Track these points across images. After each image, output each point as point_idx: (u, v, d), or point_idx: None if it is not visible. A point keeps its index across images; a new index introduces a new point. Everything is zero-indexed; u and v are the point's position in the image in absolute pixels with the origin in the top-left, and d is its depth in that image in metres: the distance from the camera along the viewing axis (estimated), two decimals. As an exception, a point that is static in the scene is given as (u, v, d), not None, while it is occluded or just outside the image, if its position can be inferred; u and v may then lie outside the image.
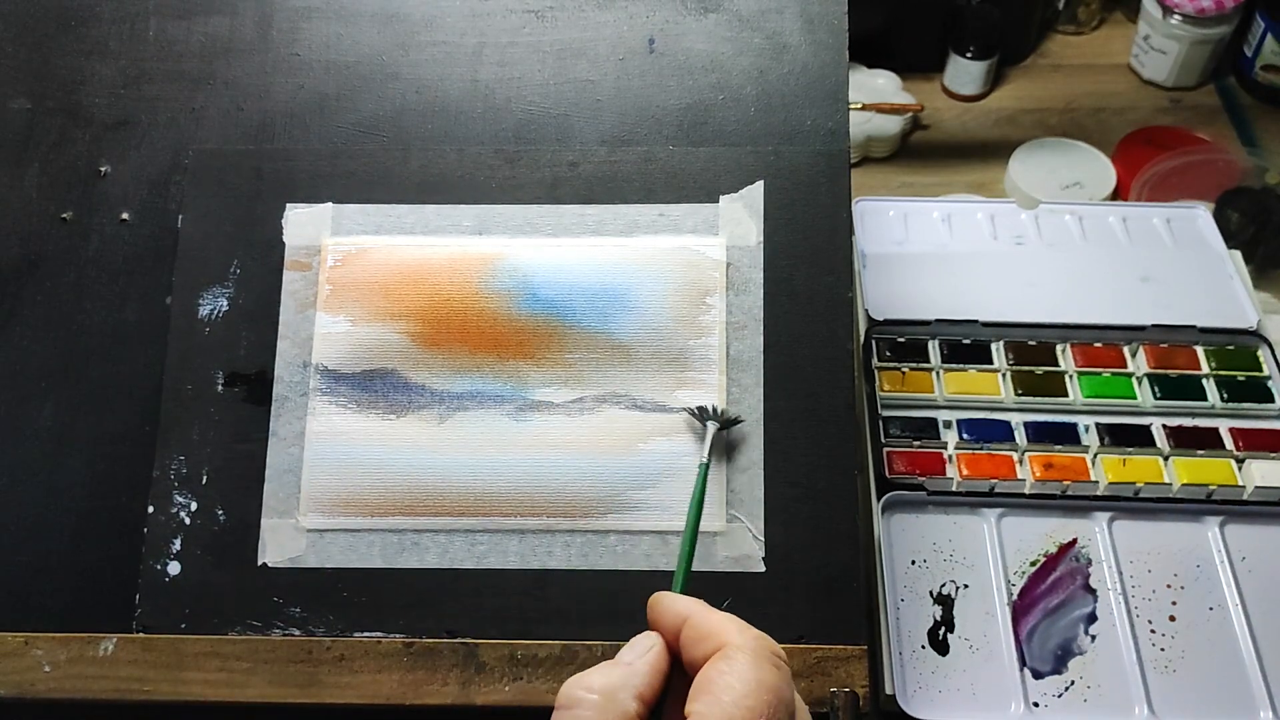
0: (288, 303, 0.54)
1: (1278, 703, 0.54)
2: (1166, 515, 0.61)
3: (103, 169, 0.56)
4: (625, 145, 0.55)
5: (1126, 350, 0.68)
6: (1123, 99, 0.99)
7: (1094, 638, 0.57)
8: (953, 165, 0.94)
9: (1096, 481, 0.62)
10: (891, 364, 0.67)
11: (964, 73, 0.98)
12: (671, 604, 0.38)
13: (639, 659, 0.37)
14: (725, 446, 0.51)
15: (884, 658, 0.55)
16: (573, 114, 0.56)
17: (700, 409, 0.50)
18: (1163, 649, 0.57)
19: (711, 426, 0.50)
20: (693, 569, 0.48)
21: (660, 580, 0.49)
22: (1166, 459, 0.63)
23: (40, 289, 0.55)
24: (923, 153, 0.96)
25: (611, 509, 0.50)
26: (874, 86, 0.97)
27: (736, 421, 0.51)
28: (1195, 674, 0.56)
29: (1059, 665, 0.56)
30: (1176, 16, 0.96)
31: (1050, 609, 0.58)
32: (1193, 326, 0.68)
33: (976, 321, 0.68)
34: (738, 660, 0.35)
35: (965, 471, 0.62)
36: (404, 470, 0.51)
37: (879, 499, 0.61)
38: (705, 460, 0.48)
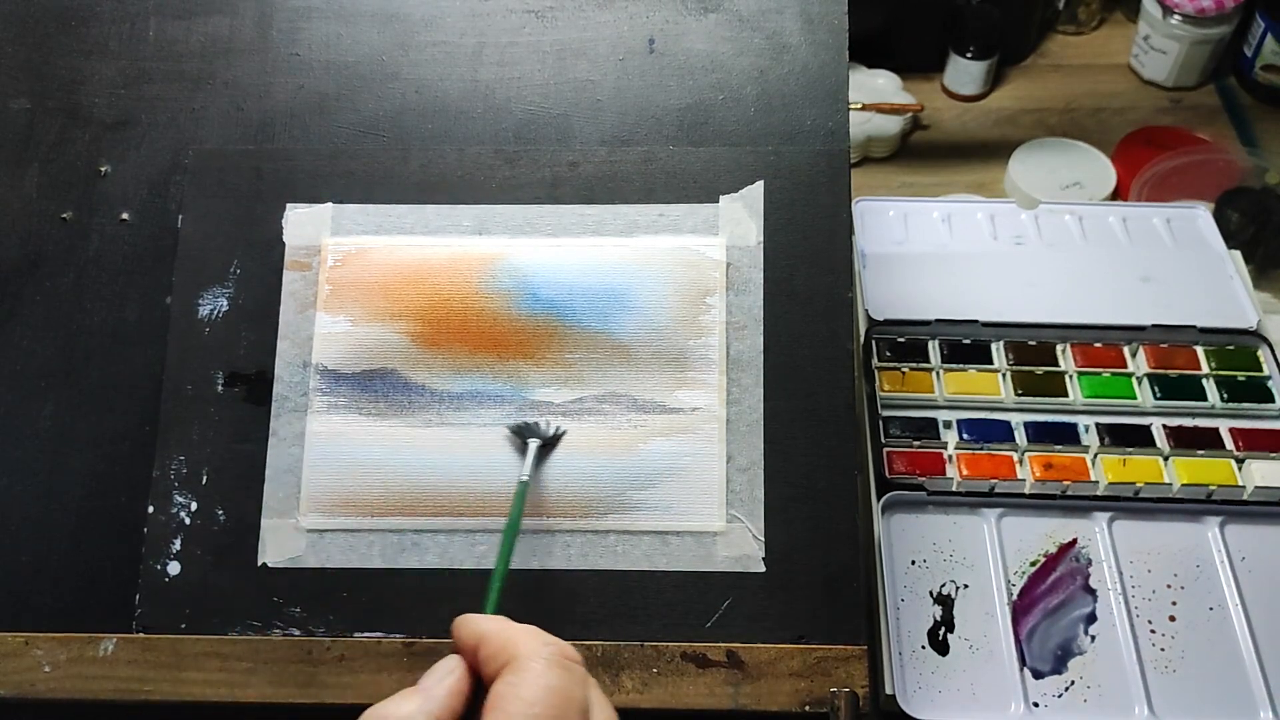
0: (288, 303, 0.54)
1: (1278, 703, 0.54)
2: (1166, 515, 0.61)
3: (103, 169, 0.56)
4: (625, 145, 0.55)
5: (1126, 350, 0.68)
6: (1123, 99, 0.99)
7: (1094, 638, 0.57)
8: (953, 165, 0.94)
9: (1096, 481, 0.62)
10: (891, 364, 0.67)
11: (964, 73, 0.98)
12: (471, 625, 0.39)
13: (437, 684, 0.37)
14: (727, 447, 0.51)
15: (884, 658, 0.55)
16: (573, 114, 0.56)
17: (520, 426, 0.50)
18: (1163, 649, 0.57)
19: (533, 444, 0.50)
20: (686, 573, 0.48)
21: (660, 580, 0.50)
22: (1166, 459, 0.63)
23: (40, 289, 0.55)
24: (923, 153, 0.96)
25: (611, 509, 0.50)
26: (874, 86, 0.97)
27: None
28: (1195, 674, 0.56)
29: (1059, 665, 0.56)
30: (1176, 16, 0.96)
31: (1050, 609, 0.58)
32: (1193, 326, 0.68)
33: (976, 321, 0.68)
34: (524, 670, 0.35)
35: (965, 471, 0.62)
36: (404, 470, 0.51)
37: (879, 499, 0.61)
38: (525, 478, 0.49)
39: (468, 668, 0.38)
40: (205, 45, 0.58)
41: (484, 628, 0.38)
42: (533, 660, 0.36)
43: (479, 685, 0.38)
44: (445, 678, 0.37)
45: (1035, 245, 0.74)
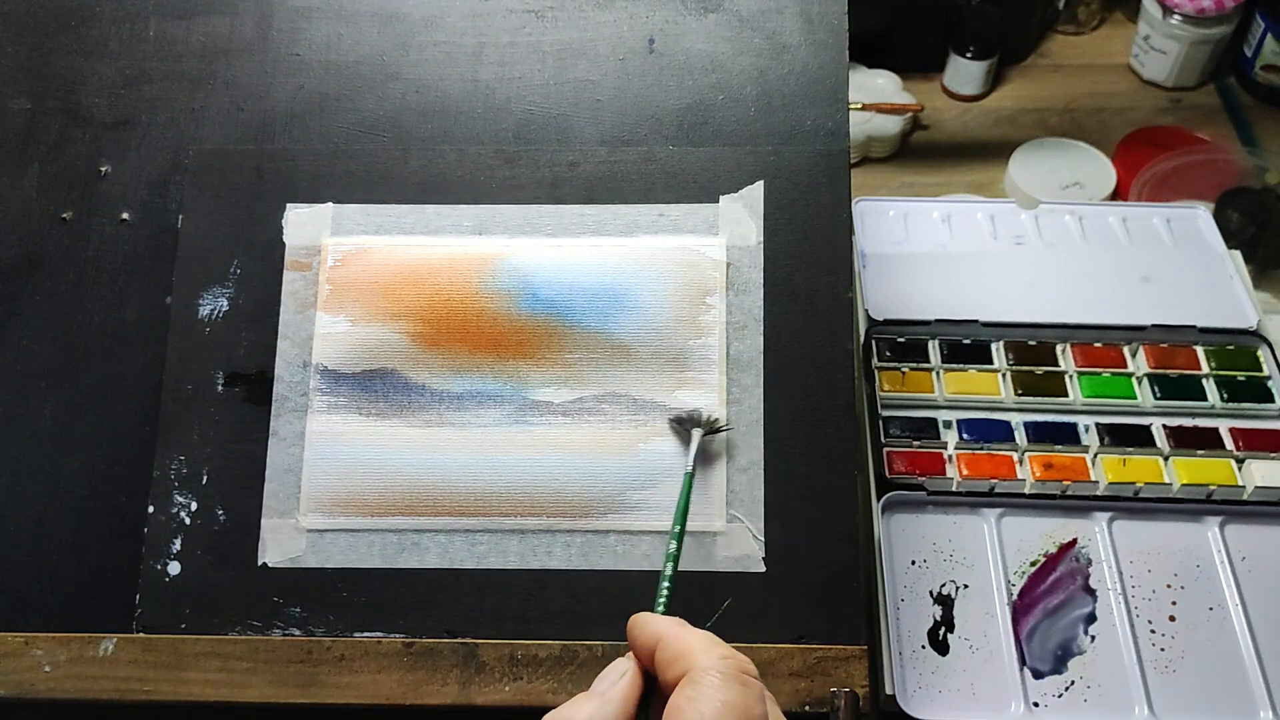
0: (288, 303, 0.54)
1: (1278, 703, 0.54)
2: (1166, 515, 0.61)
3: (103, 169, 0.56)
4: (625, 145, 0.55)
5: (1126, 350, 0.68)
6: (1123, 99, 0.99)
7: (1094, 638, 0.57)
8: (953, 165, 0.94)
9: (1096, 481, 0.62)
10: (891, 364, 0.67)
11: (964, 73, 0.98)
12: (647, 626, 0.39)
13: (611, 688, 0.37)
14: (727, 447, 0.51)
15: (884, 658, 0.55)
16: (573, 114, 0.56)
17: (681, 418, 0.50)
18: (1163, 649, 0.57)
19: (697, 434, 0.49)
20: (685, 573, 0.48)
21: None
22: (1166, 459, 0.63)
23: (40, 289, 0.55)
24: (923, 153, 0.96)
25: (611, 509, 0.50)
26: (874, 86, 0.97)
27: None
28: (1195, 674, 0.56)
29: (1059, 665, 0.56)
30: (1176, 16, 0.96)
31: (1050, 609, 0.58)
32: (1193, 326, 0.68)
33: (976, 321, 0.68)
34: (703, 684, 0.35)
35: (965, 471, 0.62)
36: (404, 470, 0.51)
37: (879, 499, 0.61)
38: (690, 469, 0.48)
39: (639, 669, 0.38)
40: (205, 45, 0.58)
41: (661, 629, 0.38)
42: (710, 674, 0.36)
43: (649, 683, 0.38)
44: (618, 681, 0.38)
45: (1035, 245, 0.74)
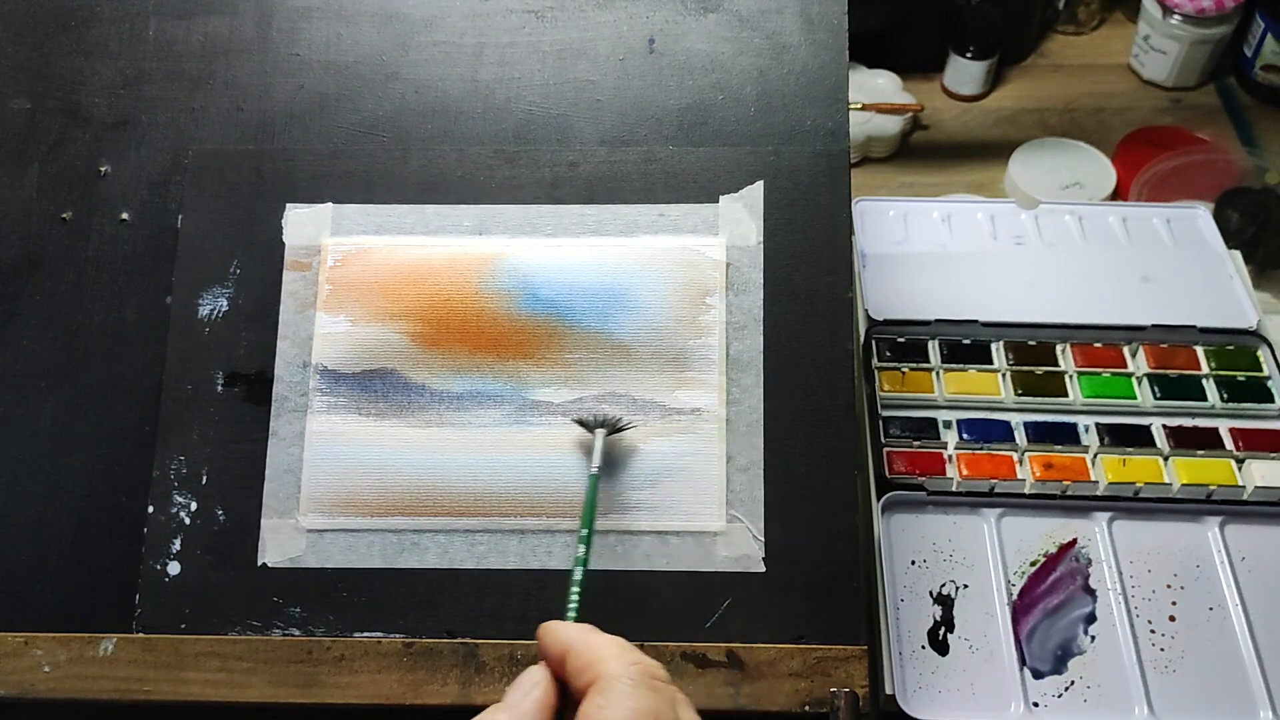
0: (288, 303, 0.54)
1: (1278, 703, 0.54)
2: (1166, 515, 0.61)
3: (103, 169, 0.56)
4: (625, 145, 0.55)
5: (1126, 350, 0.68)
6: (1123, 99, 0.99)
7: (1094, 638, 0.57)
8: (953, 165, 0.94)
9: (1096, 481, 0.62)
10: (891, 364, 0.67)
11: (964, 73, 0.98)
12: (555, 634, 0.38)
13: (524, 698, 0.37)
14: (726, 447, 0.51)
15: (884, 658, 0.55)
16: (573, 114, 0.56)
17: (585, 420, 0.50)
18: (1163, 649, 0.57)
19: (600, 434, 0.49)
20: (686, 573, 0.48)
21: (660, 580, 0.49)
22: (1166, 459, 0.63)
23: (40, 289, 0.55)
24: (923, 153, 0.96)
25: (611, 509, 0.50)
26: (874, 86, 0.97)
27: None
28: (1195, 674, 0.56)
29: (1059, 665, 0.56)
30: (1176, 16, 0.96)
31: (1050, 609, 0.58)
32: (1193, 326, 0.68)
33: (976, 321, 0.68)
34: (613, 691, 0.35)
35: (965, 471, 0.62)
36: (404, 470, 0.51)
37: (879, 499, 0.61)
38: (595, 470, 0.48)
39: (553, 678, 0.38)
40: (205, 45, 0.58)
41: (570, 637, 0.38)
42: (620, 681, 0.35)
43: (564, 691, 0.38)
44: (532, 691, 0.37)
45: (1035, 245, 0.74)
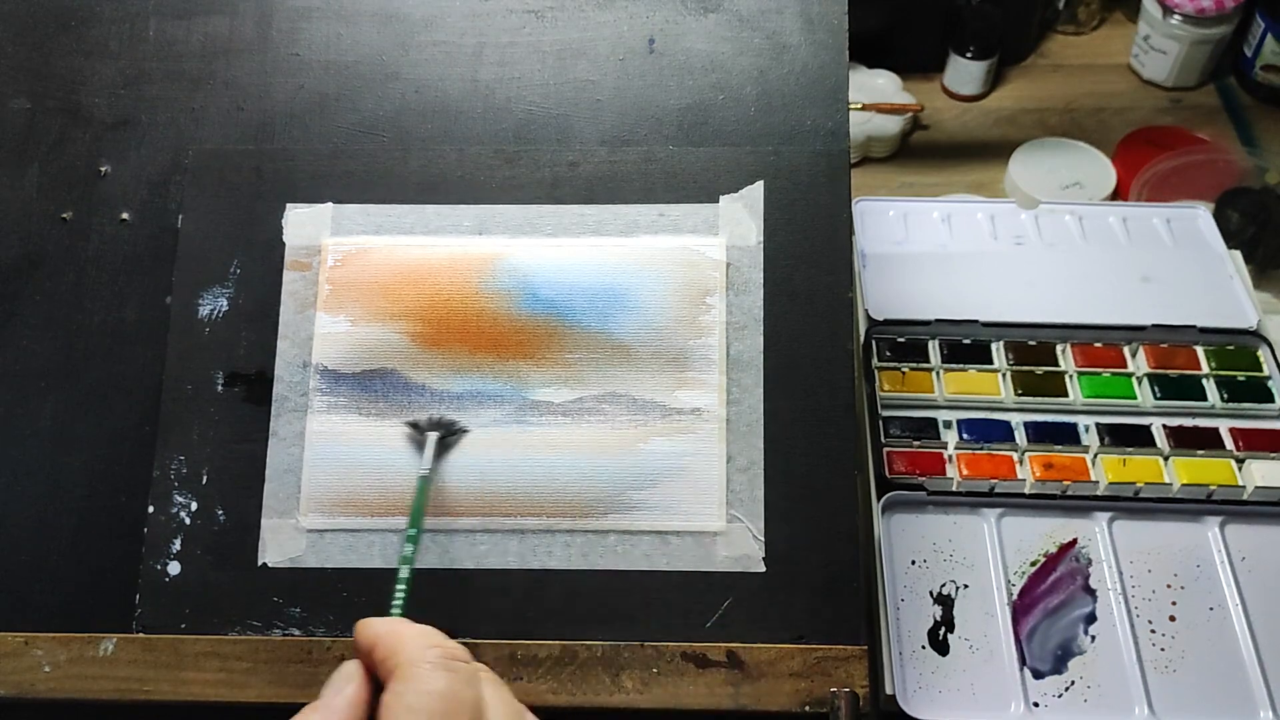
0: (288, 303, 0.54)
1: (1278, 703, 0.54)
2: (1166, 515, 0.61)
3: (103, 169, 0.56)
4: (625, 145, 0.55)
5: (1126, 350, 0.68)
6: (1123, 99, 0.99)
7: (1094, 638, 0.57)
8: (953, 165, 0.94)
9: (1096, 481, 0.62)
10: (891, 364, 0.67)
11: (964, 73, 0.98)
12: (366, 629, 0.38)
13: (336, 695, 0.37)
14: (726, 447, 0.51)
15: (884, 658, 0.55)
16: (573, 114, 0.56)
17: (417, 422, 0.51)
18: (1163, 649, 0.57)
19: (432, 437, 0.50)
20: (686, 573, 0.48)
21: (660, 580, 0.50)
22: (1166, 459, 0.63)
23: (40, 289, 0.55)
24: (923, 153, 0.96)
25: (611, 509, 0.50)
26: (874, 86, 0.97)
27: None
28: (1195, 674, 0.56)
29: (1059, 665, 0.56)
30: (1176, 16, 0.96)
31: (1050, 609, 0.58)
32: (1193, 326, 0.68)
33: (976, 321, 0.68)
34: (410, 678, 0.35)
35: (965, 471, 0.62)
36: (404, 470, 0.51)
37: (879, 499, 0.61)
38: (425, 472, 0.49)
39: (365, 673, 0.38)
40: (205, 45, 0.58)
41: (377, 630, 0.38)
42: (417, 666, 0.36)
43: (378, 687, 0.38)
44: (344, 687, 0.37)
45: (1035, 245, 0.74)
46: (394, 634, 0.38)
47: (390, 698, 0.35)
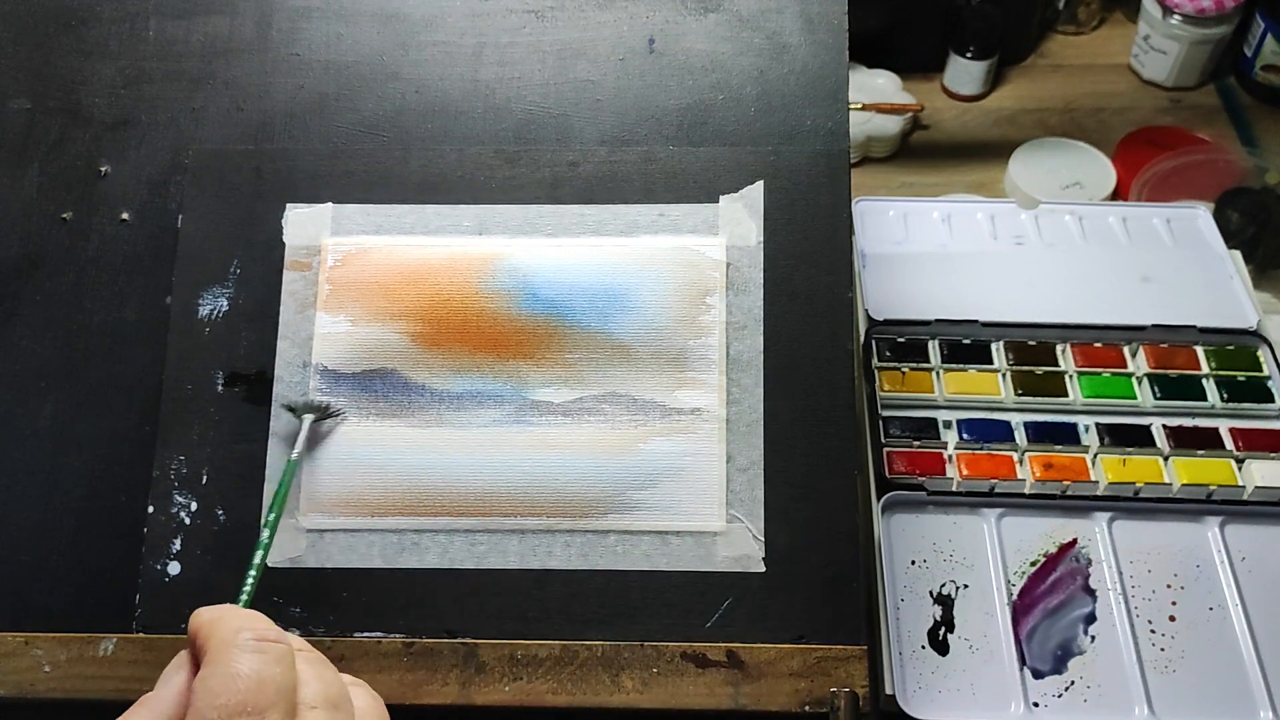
0: (288, 303, 0.54)
1: (1278, 703, 0.54)
2: (1166, 515, 0.61)
3: (103, 169, 0.56)
4: (625, 145, 0.55)
5: (1126, 350, 0.68)
6: (1123, 99, 1.00)
7: (1094, 638, 0.57)
8: (953, 165, 0.94)
9: (1096, 481, 0.62)
10: (891, 364, 0.67)
11: (964, 73, 0.98)
12: (194, 618, 0.38)
13: (164, 686, 0.36)
14: (726, 447, 0.51)
15: (884, 658, 0.55)
16: (573, 114, 0.56)
17: (293, 404, 0.51)
18: (1163, 649, 0.57)
19: (307, 419, 0.50)
20: (686, 573, 0.48)
21: (660, 580, 0.50)
22: (1166, 459, 0.63)
23: (40, 289, 0.55)
24: (923, 153, 0.96)
25: (611, 509, 0.50)
26: (874, 86, 0.97)
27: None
28: (1195, 674, 0.56)
29: (1059, 665, 0.56)
30: (1176, 16, 0.96)
31: (1050, 609, 0.58)
32: (1193, 326, 0.68)
33: (976, 321, 0.68)
34: (215, 660, 0.35)
35: (965, 471, 0.62)
36: (404, 470, 0.51)
37: (879, 499, 0.61)
38: (295, 457, 0.49)
39: (193, 662, 0.37)
40: (205, 45, 0.58)
41: (203, 618, 0.37)
42: (225, 649, 0.35)
43: None
44: (172, 677, 0.37)
45: (1035, 245, 0.74)
46: (214, 620, 0.37)
47: (196, 682, 0.35)
